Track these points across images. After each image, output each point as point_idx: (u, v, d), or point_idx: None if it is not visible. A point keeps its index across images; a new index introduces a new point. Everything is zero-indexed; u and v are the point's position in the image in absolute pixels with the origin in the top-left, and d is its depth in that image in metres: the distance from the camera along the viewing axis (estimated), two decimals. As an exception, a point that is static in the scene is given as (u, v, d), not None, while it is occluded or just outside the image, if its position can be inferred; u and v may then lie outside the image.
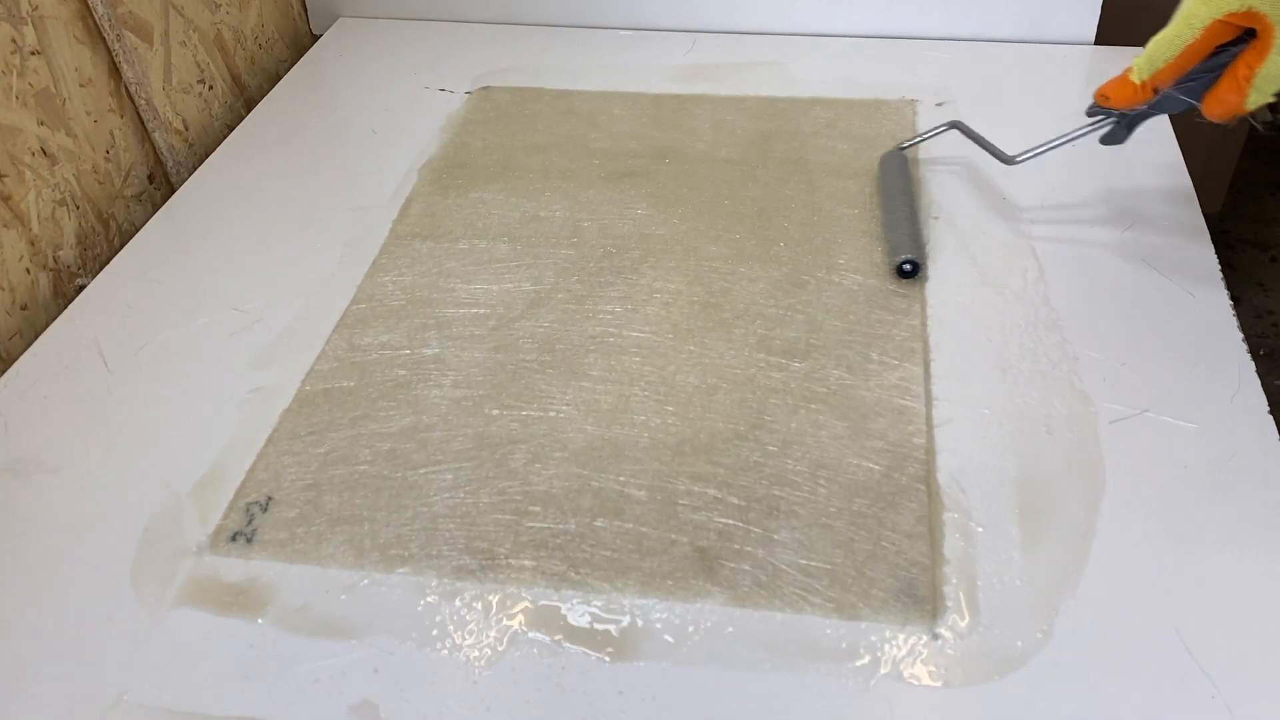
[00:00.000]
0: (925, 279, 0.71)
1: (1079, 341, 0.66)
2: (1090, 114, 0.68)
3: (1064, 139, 0.71)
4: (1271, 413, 0.61)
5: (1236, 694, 0.48)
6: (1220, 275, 0.70)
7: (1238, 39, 0.61)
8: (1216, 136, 1.43)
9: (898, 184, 0.77)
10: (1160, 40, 0.63)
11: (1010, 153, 0.74)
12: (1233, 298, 0.68)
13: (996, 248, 0.73)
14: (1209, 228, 0.74)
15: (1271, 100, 0.61)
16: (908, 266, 0.70)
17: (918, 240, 0.72)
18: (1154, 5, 1.33)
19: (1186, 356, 0.64)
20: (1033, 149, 0.72)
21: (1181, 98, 0.65)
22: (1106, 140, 0.69)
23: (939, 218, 0.76)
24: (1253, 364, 0.64)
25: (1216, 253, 0.72)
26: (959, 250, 0.74)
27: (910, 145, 0.82)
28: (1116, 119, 0.68)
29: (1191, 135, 1.09)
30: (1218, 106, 0.63)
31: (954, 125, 0.81)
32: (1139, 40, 0.97)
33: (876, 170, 0.80)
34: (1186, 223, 0.75)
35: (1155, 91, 0.65)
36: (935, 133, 0.82)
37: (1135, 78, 0.65)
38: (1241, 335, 0.65)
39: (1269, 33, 0.59)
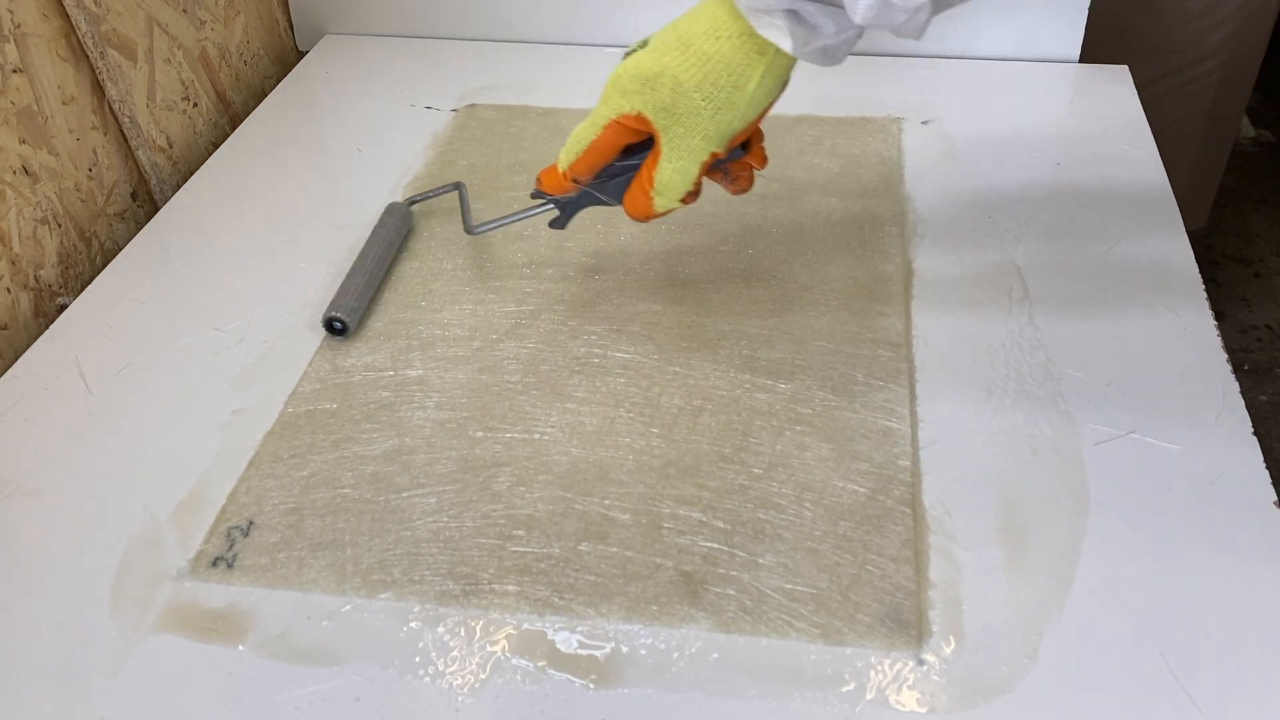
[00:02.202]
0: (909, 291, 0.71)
1: (1064, 362, 0.66)
2: (534, 196, 0.68)
3: (516, 217, 0.71)
4: (1258, 429, 0.61)
5: (1221, 718, 0.48)
6: (1204, 295, 0.70)
7: (648, 142, 0.61)
8: (1199, 153, 1.44)
9: (382, 237, 0.76)
10: (575, 134, 0.63)
11: (473, 223, 0.74)
12: (1217, 313, 0.68)
13: (981, 268, 0.74)
14: (1193, 243, 0.75)
15: (679, 205, 0.62)
16: (337, 325, 0.69)
17: (356, 299, 0.71)
18: (1138, 23, 1.34)
19: (1171, 377, 0.64)
20: (491, 223, 0.73)
21: (603, 197, 0.65)
22: (553, 224, 0.69)
23: (924, 237, 0.77)
24: (1236, 384, 0.64)
25: (1200, 268, 0.72)
26: (944, 271, 0.74)
27: (420, 200, 0.81)
28: (554, 203, 0.67)
29: (1176, 152, 1.10)
30: (633, 207, 0.64)
31: (456, 186, 0.80)
32: (1124, 58, 0.98)
33: (377, 217, 0.79)
34: (1170, 241, 0.75)
35: (577, 183, 0.65)
36: (441, 192, 0.81)
37: (560, 167, 0.65)
38: (1225, 356, 0.65)
39: (658, 139, 0.60)
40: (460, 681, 0.51)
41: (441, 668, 0.51)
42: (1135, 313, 0.69)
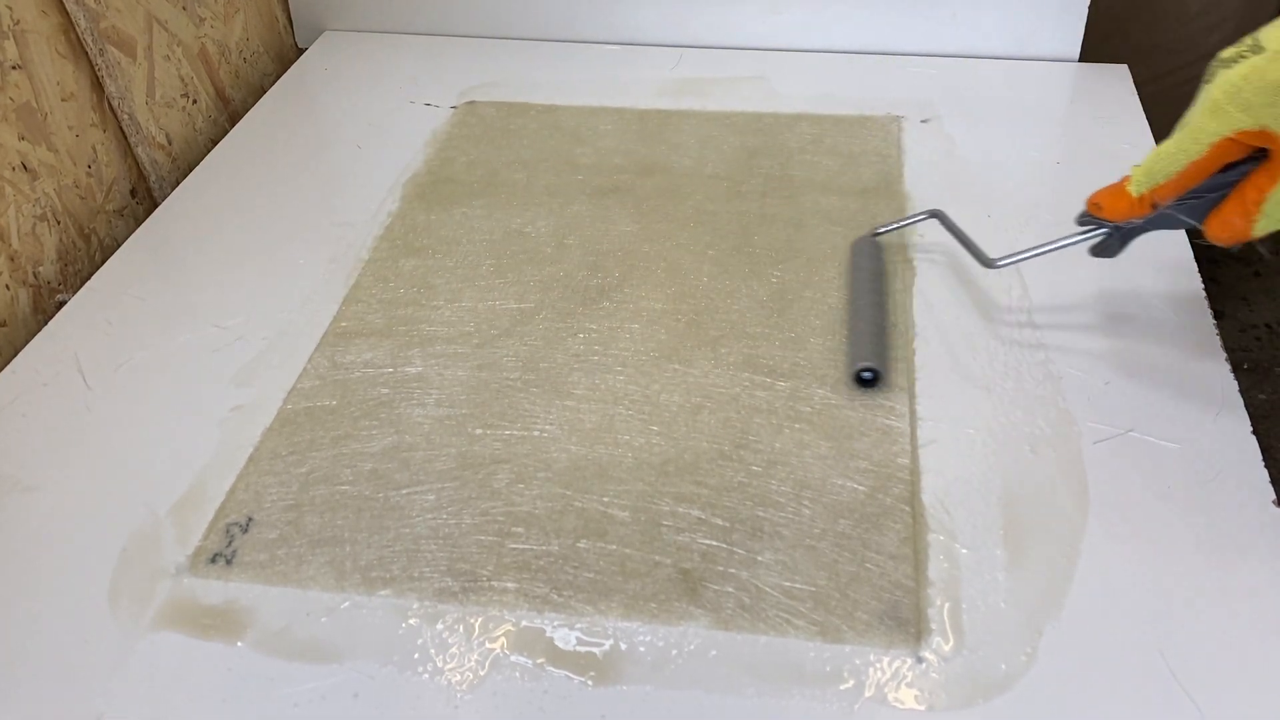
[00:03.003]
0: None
1: (1063, 361, 0.66)
2: (1080, 222, 0.62)
3: (1051, 246, 0.64)
4: (1258, 427, 0.61)
5: (1220, 717, 0.48)
6: (1203, 293, 0.70)
7: (1248, 158, 0.55)
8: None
9: (867, 275, 0.71)
10: (1162, 153, 0.56)
11: (992, 255, 0.67)
12: (1217, 312, 0.68)
13: (980, 266, 0.73)
14: (1192, 242, 0.75)
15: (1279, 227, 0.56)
16: (867, 375, 0.64)
17: (881, 344, 0.66)
18: (1137, 23, 1.34)
19: (1170, 375, 0.64)
20: (1016, 255, 0.66)
21: (1182, 217, 0.58)
22: (1097, 252, 0.63)
23: (923, 236, 0.76)
24: (1235, 383, 0.64)
25: (1200, 267, 0.72)
26: (943, 268, 0.74)
27: (886, 231, 0.75)
28: (1109, 231, 0.61)
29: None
30: (1223, 230, 0.57)
31: (935, 215, 0.74)
32: (1123, 58, 0.98)
33: (848, 257, 0.74)
34: (1169, 240, 0.75)
35: (1154, 207, 0.58)
36: (915, 219, 0.75)
37: (1133, 190, 0.58)
38: (1225, 355, 0.65)
39: None
40: (459, 678, 0.51)
41: (440, 664, 0.51)
42: (1134, 311, 0.69)
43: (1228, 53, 0.54)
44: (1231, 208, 0.56)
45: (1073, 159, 0.85)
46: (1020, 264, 0.67)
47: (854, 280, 0.71)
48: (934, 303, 0.71)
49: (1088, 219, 0.61)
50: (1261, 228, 0.55)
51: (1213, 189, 0.56)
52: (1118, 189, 0.59)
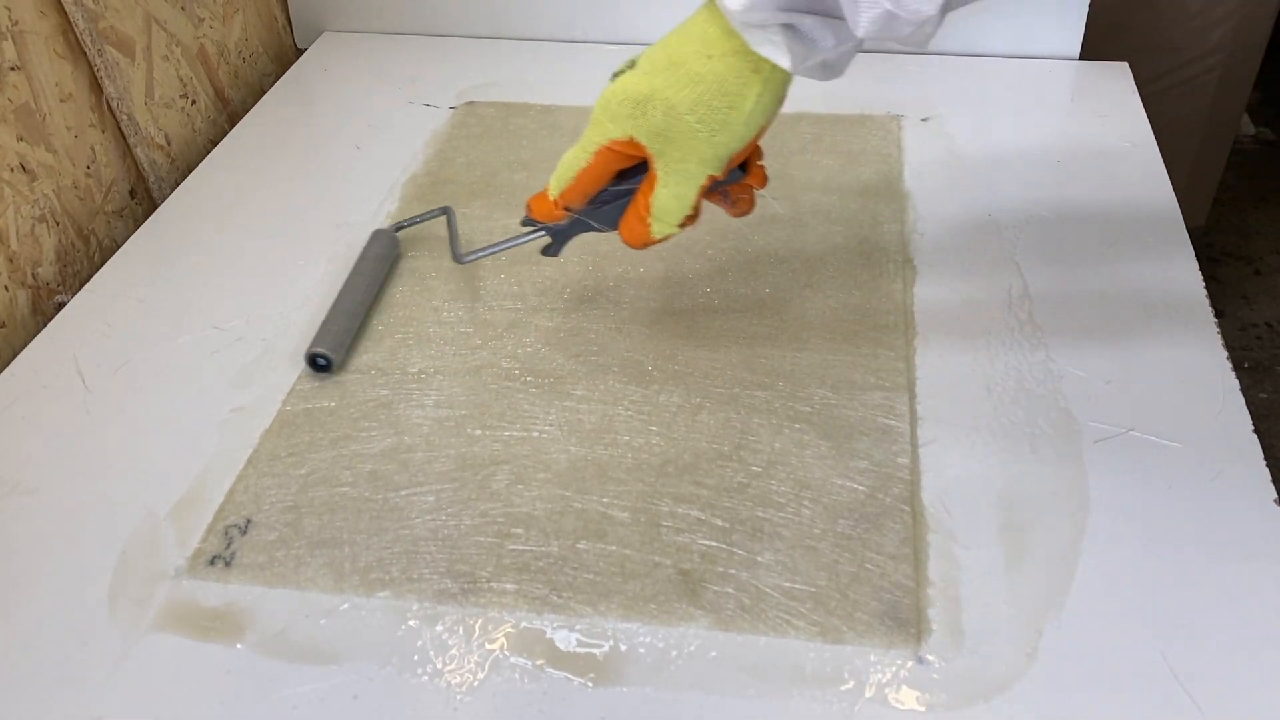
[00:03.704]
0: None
1: (1063, 360, 0.65)
2: (523, 224, 0.65)
3: (506, 244, 0.68)
4: (1259, 426, 0.60)
5: (1221, 717, 0.48)
6: (1204, 292, 0.70)
7: (641, 166, 0.58)
8: (1199, 151, 1.43)
9: (369, 266, 0.73)
10: (564, 161, 0.60)
11: (461, 252, 0.71)
12: (1217, 311, 0.68)
13: (981, 265, 0.73)
14: (1193, 241, 0.75)
15: (677, 230, 0.59)
16: (321, 361, 0.66)
17: (340, 333, 0.68)
18: (1138, 21, 1.34)
19: (1171, 374, 0.64)
20: (480, 251, 0.70)
21: (594, 223, 0.62)
22: (545, 251, 0.66)
23: (924, 235, 0.76)
24: (1236, 382, 0.63)
25: (1201, 266, 0.72)
26: (943, 268, 0.74)
27: (406, 225, 0.78)
28: (545, 231, 0.64)
29: (1176, 149, 1.09)
30: (629, 234, 0.60)
31: (444, 211, 0.78)
32: (1123, 56, 0.98)
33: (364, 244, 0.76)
34: (1170, 238, 0.75)
35: (568, 211, 0.62)
36: (429, 217, 0.78)
37: (550, 195, 0.62)
38: (1225, 353, 0.65)
39: (653, 164, 0.57)
40: (459, 680, 0.51)
41: (440, 666, 0.51)
42: (1135, 310, 0.69)
43: (617, 68, 0.57)
44: (631, 214, 0.60)
45: (1073, 157, 0.84)
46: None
47: (355, 267, 0.73)
48: (933, 302, 0.71)
49: (527, 221, 0.64)
50: (657, 230, 0.59)
51: (617, 196, 0.60)
52: (544, 194, 0.62)
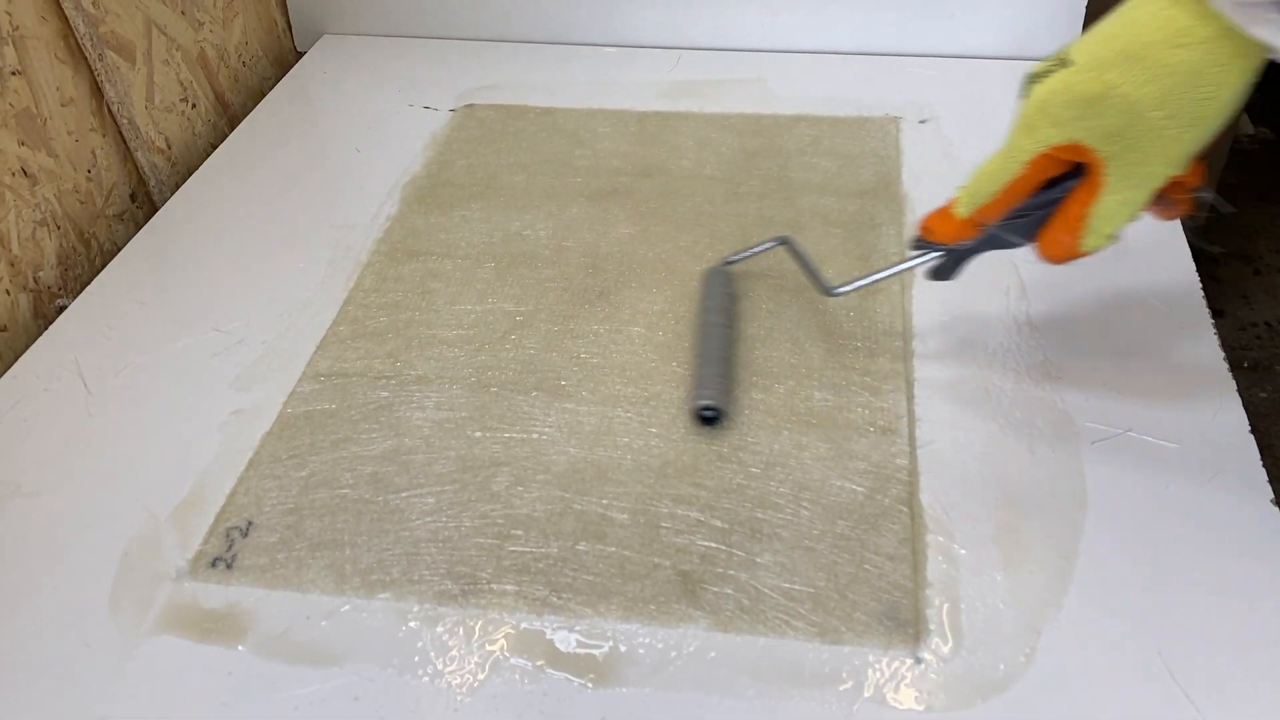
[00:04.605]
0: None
1: (1061, 361, 0.66)
2: (913, 246, 0.60)
3: (888, 272, 0.64)
4: (1258, 426, 0.61)
5: (1219, 717, 0.48)
6: (1201, 293, 0.70)
7: (1069, 174, 0.54)
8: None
9: (717, 307, 0.69)
10: (983, 172, 0.56)
11: (833, 284, 0.66)
12: (1217, 311, 0.68)
13: (979, 266, 0.73)
14: (1191, 240, 0.75)
15: (1110, 243, 0.55)
16: (709, 414, 0.62)
17: (725, 381, 0.64)
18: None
19: (1168, 375, 0.64)
20: (854, 281, 0.65)
21: (1011, 237, 0.58)
22: (934, 275, 0.62)
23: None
24: (1233, 382, 0.64)
25: (1200, 266, 0.73)
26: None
27: (737, 260, 0.73)
28: (943, 254, 0.60)
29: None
30: (1053, 248, 0.56)
31: (783, 242, 0.72)
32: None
33: (699, 288, 0.72)
34: (1167, 240, 0.75)
35: (981, 228, 0.58)
36: (763, 248, 0.73)
37: (959, 212, 0.58)
38: (1223, 354, 0.65)
39: (1099, 169, 0.52)
40: (459, 681, 0.51)
41: (440, 667, 0.51)
42: (1132, 311, 0.69)
43: (1038, 67, 0.53)
44: (1058, 225, 0.55)
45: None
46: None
47: (704, 312, 0.69)
48: (931, 304, 0.71)
49: (921, 243, 0.60)
50: (1089, 244, 0.55)
51: (1038, 206, 0.56)
52: (945, 212, 0.58)
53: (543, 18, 1.03)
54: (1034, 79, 0.53)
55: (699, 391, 0.63)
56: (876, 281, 0.64)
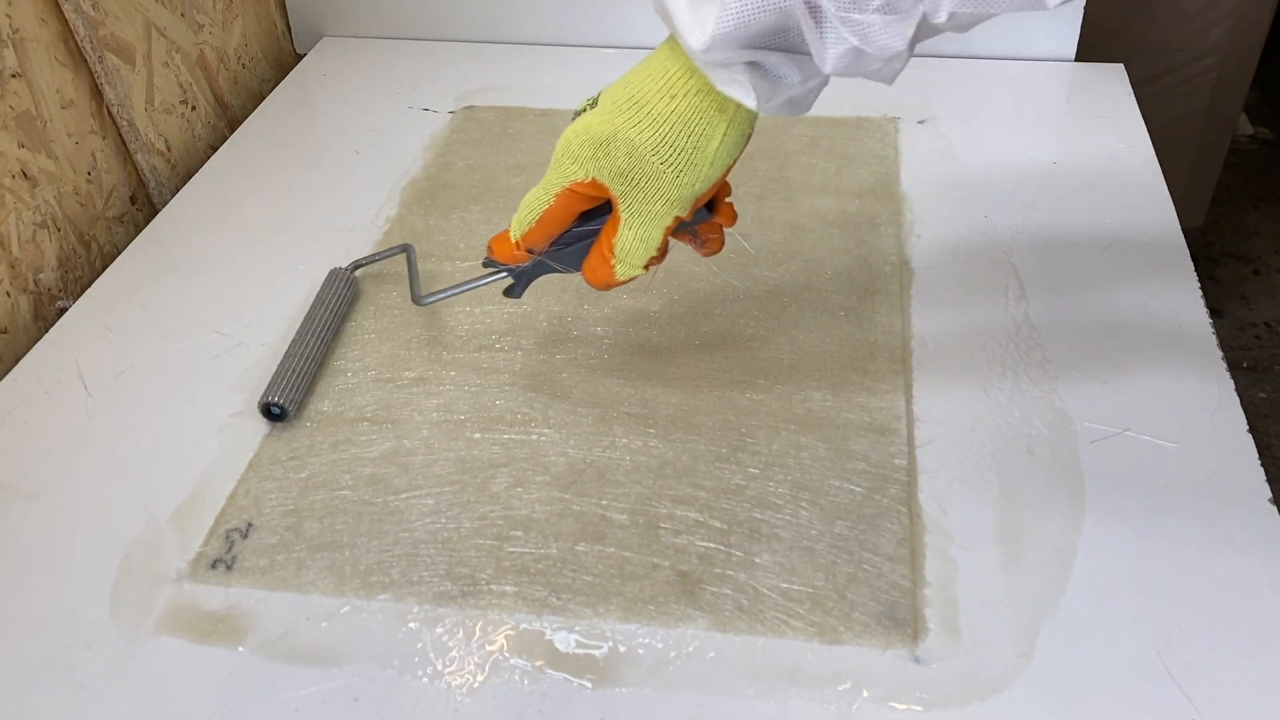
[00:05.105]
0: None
1: (1060, 361, 0.66)
2: (485, 264, 0.63)
3: (467, 286, 0.66)
4: (1257, 426, 0.61)
5: (1217, 716, 0.48)
6: (1199, 293, 0.70)
7: (603, 208, 0.57)
8: (1198, 151, 1.44)
9: (326, 307, 0.71)
10: (526, 202, 0.58)
11: (421, 294, 0.69)
12: (1216, 311, 0.69)
13: (977, 267, 0.74)
14: (1191, 241, 0.75)
15: (642, 272, 0.57)
16: (275, 410, 0.64)
17: (295, 380, 0.65)
18: (1134, 22, 1.34)
19: (1166, 375, 0.65)
20: (440, 293, 0.67)
21: (557, 265, 0.60)
22: (508, 293, 0.64)
23: (920, 237, 0.77)
24: (1231, 382, 0.64)
25: (1199, 266, 0.73)
26: (940, 269, 0.74)
27: (366, 264, 0.76)
28: (507, 272, 0.62)
29: (1173, 150, 1.10)
30: (593, 276, 0.59)
31: (404, 249, 0.76)
32: (1119, 57, 0.98)
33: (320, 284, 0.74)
34: (1165, 240, 0.75)
35: (530, 253, 0.60)
36: (388, 254, 0.76)
37: (512, 237, 0.60)
38: (1221, 354, 0.66)
39: (617, 205, 0.55)
40: (459, 681, 0.51)
41: (440, 668, 0.52)
42: (1131, 311, 0.69)
43: (579, 106, 0.56)
44: (594, 255, 0.58)
45: (1069, 159, 0.85)
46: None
47: (311, 310, 0.71)
48: (930, 304, 0.71)
49: (489, 262, 0.62)
50: (622, 272, 0.57)
51: (581, 238, 0.58)
52: (505, 235, 0.60)
53: (542, 19, 1.03)
54: (573, 117, 0.56)
55: (271, 387, 0.65)
56: (457, 294, 0.67)
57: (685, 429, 0.63)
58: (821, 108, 0.91)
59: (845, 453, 0.61)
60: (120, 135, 0.84)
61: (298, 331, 0.69)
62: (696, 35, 0.47)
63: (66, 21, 0.77)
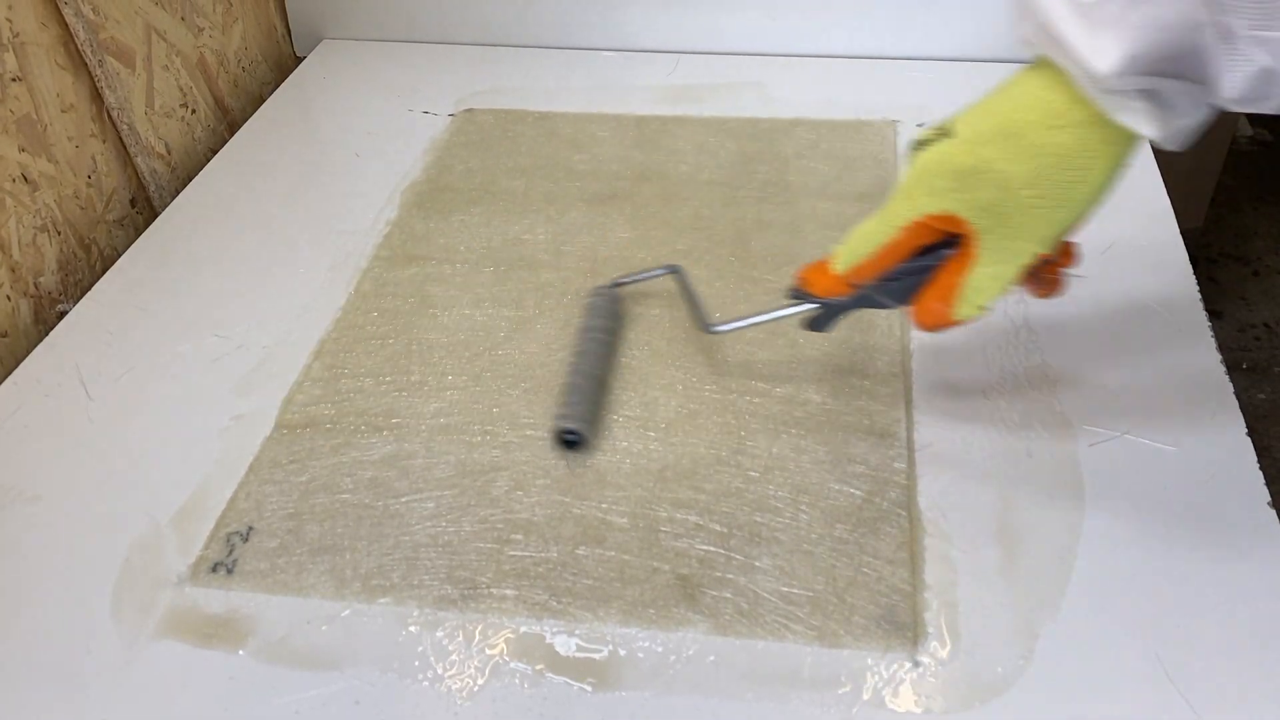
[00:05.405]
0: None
1: (1059, 364, 0.66)
2: (791, 295, 0.60)
3: (766, 317, 0.63)
4: (1256, 427, 0.61)
5: (1216, 718, 0.48)
6: (1198, 296, 0.70)
7: (945, 242, 0.54)
8: (1197, 152, 1.44)
9: (599, 329, 0.68)
10: (860, 233, 0.56)
11: (711, 322, 0.66)
12: (1215, 312, 0.69)
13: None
14: (1191, 242, 0.75)
15: (979, 314, 0.54)
16: (570, 437, 0.62)
17: (592, 407, 0.63)
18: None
19: (1165, 378, 0.65)
20: (735, 322, 0.64)
21: (884, 299, 0.57)
22: (809, 326, 0.61)
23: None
24: (1230, 384, 0.64)
25: (1198, 267, 0.73)
26: (940, 272, 0.74)
27: (627, 284, 0.73)
28: (818, 306, 0.59)
29: (1173, 151, 1.10)
30: (926, 316, 0.56)
31: (672, 270, 0.72)
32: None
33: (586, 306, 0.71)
34: (1164, 242, 0.75)
35: (855, 287, 0.57)
36: (653, 275, 0.73)
37: (835, 269, 0.57)
38: (1220, 357, 0.66)
39: (972, 241, 0.52)
40: (459, 685, 0.51)
41: (440, 671, 0.52)
42: (1130, 313, 0.69)
43: (922, 134, 0.53)
44: (932, 293, 0.55)
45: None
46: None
47: (584, 333, 0.68)
48: (930, 307, 0.71)
49: (798, 293, 0.60)
50: (962, 313, 0.54)
51: (913, 272, 0.55)
52: (822, 266, 0.58)
53: (541, 22, 1.04)
54: (918, 146, 0.53)
55: (563, 413, 0.62)
56: (755, 324, 0.64)
57: (685, 432, 0.63)
58: (821, 110, 0.92)
59: (845, 456, 0.61)
60: (120, 138, 0.84)
61: (576, 356, 0.66)
62: (1100, 60, 0.45)
63: (67, 25, 0.78)
